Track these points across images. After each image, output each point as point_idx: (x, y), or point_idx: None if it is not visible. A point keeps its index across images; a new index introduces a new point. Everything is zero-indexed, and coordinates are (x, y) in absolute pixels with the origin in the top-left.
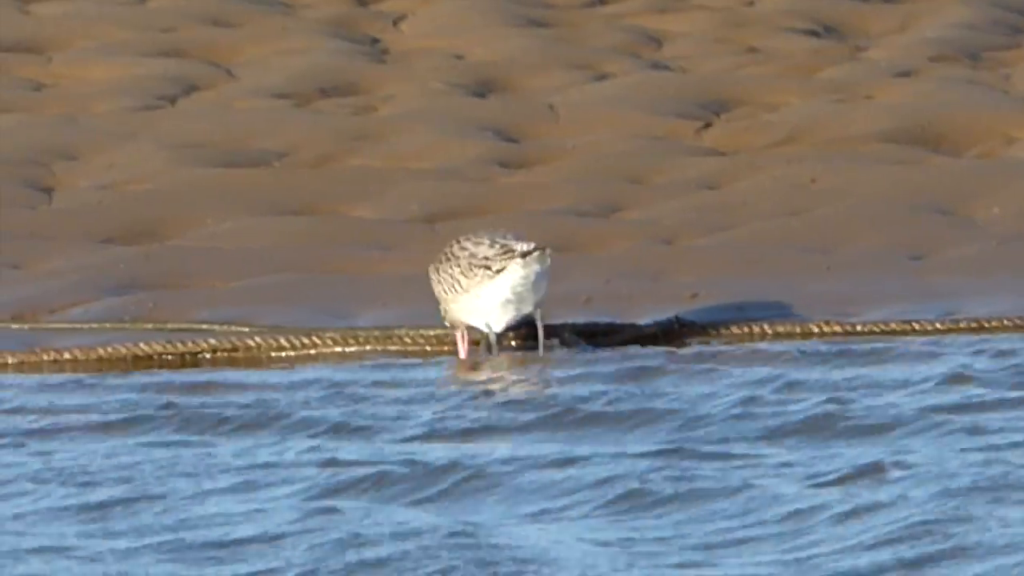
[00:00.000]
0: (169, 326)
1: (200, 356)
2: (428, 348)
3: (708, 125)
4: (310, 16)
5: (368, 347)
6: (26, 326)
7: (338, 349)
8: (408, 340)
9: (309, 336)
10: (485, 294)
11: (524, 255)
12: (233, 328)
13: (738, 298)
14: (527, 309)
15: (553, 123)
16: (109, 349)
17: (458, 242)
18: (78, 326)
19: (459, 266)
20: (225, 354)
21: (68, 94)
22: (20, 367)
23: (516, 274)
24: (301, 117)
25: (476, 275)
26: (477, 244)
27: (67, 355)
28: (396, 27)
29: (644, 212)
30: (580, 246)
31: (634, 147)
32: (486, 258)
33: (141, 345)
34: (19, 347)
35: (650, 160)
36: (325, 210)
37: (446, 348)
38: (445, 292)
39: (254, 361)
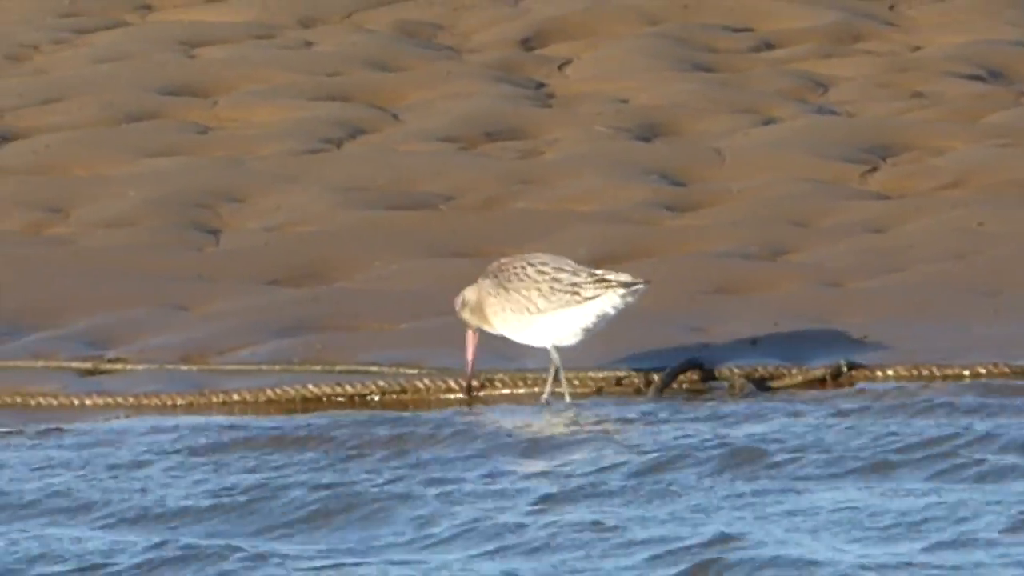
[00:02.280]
0: (338, 368)
1: (368, 398)
2: (599, 389)
3: (874, 169)
4: (475, 60)
5: (536, 389)
6: (195, 368)
7: (506, 391)
8: (578, 382)
9: (479, 378)
10: (563, 318)
11: (626, 286)
12: (402, 370)
13: (905, 340)
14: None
15: (719, 167)
16: (278, 391)
17: (532, 265)
18: (246, 368)
19: (538, 289)
20: (394, 396)
21: (233, 137)
22: (189, 408)
23: (608, 304)
24: (466, 161)
25: (559, 299)
26: (558, 270)
27: (236, 396)
28: (561, 71)
29: (810, 255)
30: (746, 289)
31: (800, 191)
32: (574, 284)
33: (310, 387)
34: (188, 389)
35: (816, 203)
36: (491, 253)
37: (617, 388)
38: (513, 311)
39: (422, 403)
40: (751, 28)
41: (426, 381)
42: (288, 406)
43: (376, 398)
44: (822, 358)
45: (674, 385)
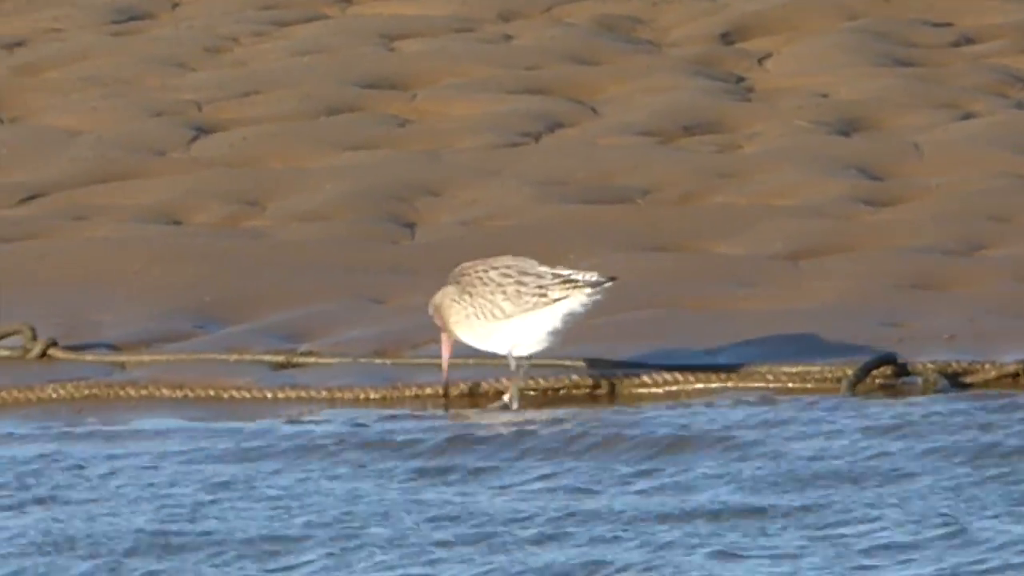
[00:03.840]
0: (532, 361)
1: (561, 392)
2: (790, 385)
3: None
4: (675, 54)
5: (730, 384)
6: (388, 361)
7: (700, 386)
8: (770, 377)
9: (672, 373)
10: (531, 322)
11: (593, 286)
12: (598, 363)
13: None
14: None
15: (917, 162)
16: (469, 383)
17: (495, 268)
18: (439, 361)
19: (503, 292)
20: (586, 390)
21: (432, 130)
22: (382, 402)
23: (576, 304)
24: (664, 155)
25: (527, 303)
26: (522, 273)
27: (428, 390)
28: (761, 65)
29: (1009, 250)
30: (943, 284)
31: (999, 186)
32: (540, 287)
33: (503, 380)
34: (381, 382)
35: (1014, 199)
36: (688, 247)
37: (808, 386)
38: (478, 317)
39: (615, 398)
40: (951, 23)
41: (620, 376)
42: (480, 400)
43: (568, 393)
44: (1017, 353)
45: (867, 380)
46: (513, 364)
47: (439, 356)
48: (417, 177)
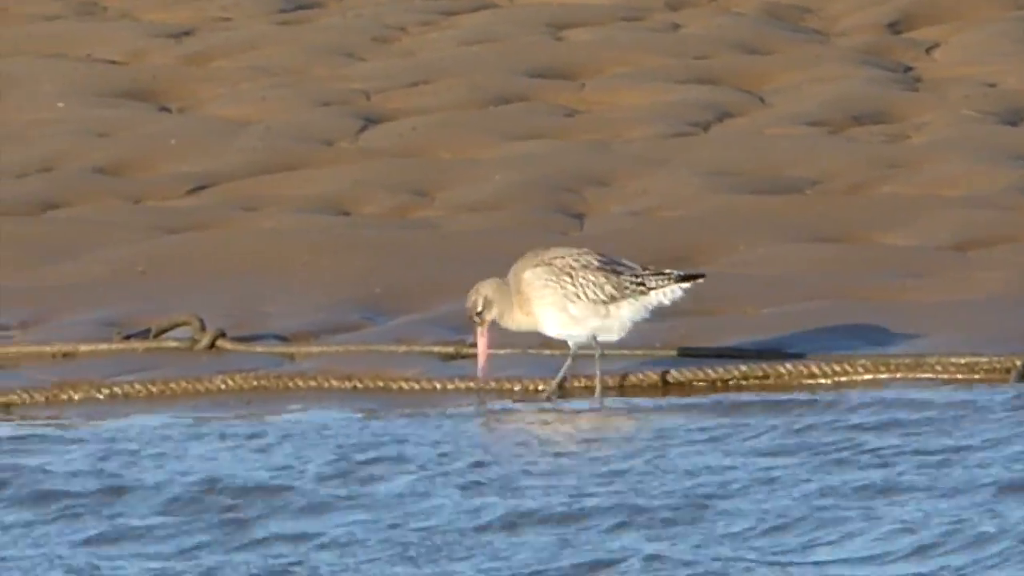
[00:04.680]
0: (702, 353)
1: (730, 383)
2: (959, 376)
3: None
4: (844, 44)
5: (899, 375)
6: (556, 352)
7: (868, 376)
8: (939, 368)
9: (840, 364)
10: (626, 311)
11: (687, 280)
12: (765, 355)
13: None
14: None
15: None
16: (640, 375)
17: (588, 254)
18: (609, 352)
19: (606, 277)
20: (756, 381)
21: (600, 120)
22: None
23: (668, 297)
24: (834, 145)
25: (628, 290)
26: (612, 262)
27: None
28: (929, 55)
29: None
30: None
31: None
32: (636, 275)
33: (672, 372)
34: (550, 373)
35: None
36: (857, 237)
37: (976, 376)
38: (578, 297)
39: (784, 388)
40: None
41: (788, 366)
42: (650, 391)
43: (739, 383)
44: None
45: None
46: (597, 352)
47: (612, 347)
48: (586, 167)
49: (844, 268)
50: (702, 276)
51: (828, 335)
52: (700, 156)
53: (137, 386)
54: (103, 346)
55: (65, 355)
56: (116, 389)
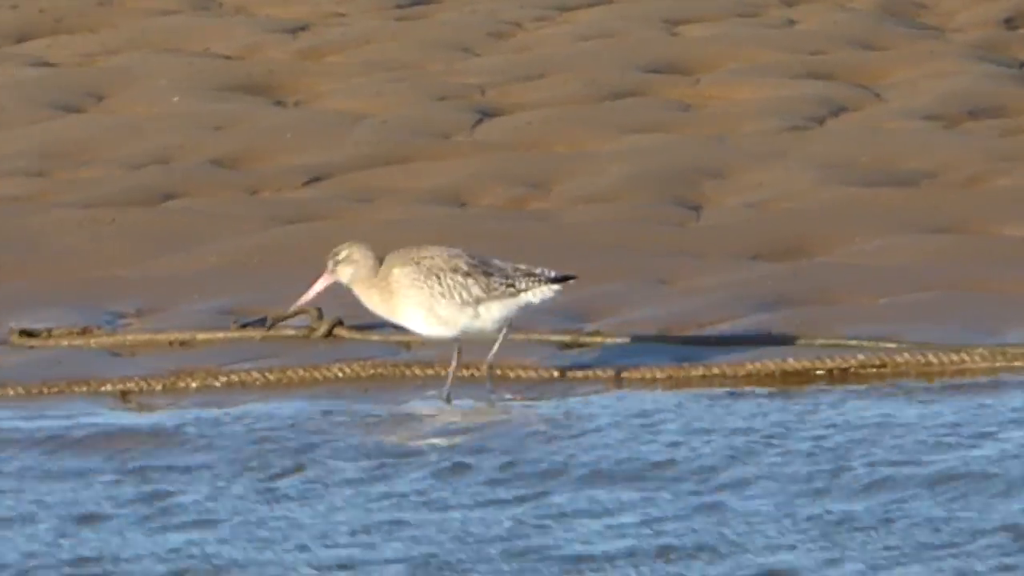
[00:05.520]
0: (818, 342)
1: (848, 372)
2: None
3: None
4: (959, 39)
5: (1017, 363)
6: (678, 342)
7: (985, 365)
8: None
9: (958, 353)
10: (496, 311)
11: (558, 281)
12: (881, 344)
13: None
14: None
15: None
16: (757, 364)
17: (458, 256)
18: (727, 343)
19: (473, 279)
20: (873, 370)
21: (716, 114)
22: (668, 382)
23: (538, 298)
24: (949, 138)
25: (496, 291)
26: (483, 263)
27: (715, 370)
28: None
29: None
30: None
31: None
32: (507, 276)
33: (790, 360)
34: (668, 362)
35: None
36: (972, 229)
37: None
38: (444, 297)
39: (901, 377)
40: None
41: (906, 355)
42: (767, 380)
43: (855, 372)
44: None
45: None
46: (457, 354)
47: (726, 336)
48: (702, 160)
49: (959, 259)
50: (573, 277)
51: (944, 325)
52: (815, 150)
53: (254, 374)
54: (220, 335)
55: (182, 344)
56: (233, 377)
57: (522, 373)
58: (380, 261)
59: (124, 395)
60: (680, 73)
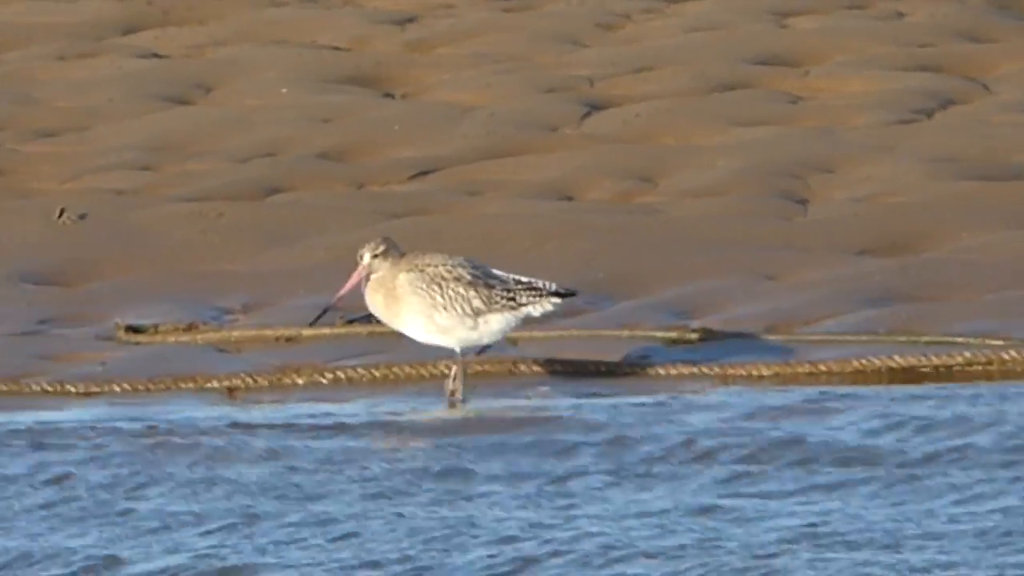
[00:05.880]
0: (924, 339)
1: (954, 369)
2: None
3: None
4: None
5: None
6: (780, 337)
7: None
8: None
9: None
10: (495, 323)
11: (559, 296)
12: (988, 342)
13: None
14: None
15: None
16: (864, 361)
17: (461, 266)
18: (832, 338)
19: (475, 290)
20: (980, 367)
21: (824, 107)
22: (775, 379)
23: (538, 312)
24: None
25: (497, 304)
26: (487, 275)
27: (822, 367)
28: None
29: None
30: None
31: None
32: (508, 290)
33: (896, 358)
34: (774, 359)
35: None
36: None
37: None
38: (445, 308)
39: (1009, 375)
40: None
41: (1012, 353)
42: (873, 377)
43: (962, 369)
44: None
45: None
46: (458, 360)
47: (831, 333)
48: (810, 154)
49: None
50: (574, 294)
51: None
52: (924, 143)
53: (360, 371)
54: (326, 330)
55: (288, 339)
56: (339, 374)
57: (628, 370)
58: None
59: (230, 392)
60: (788, 65)
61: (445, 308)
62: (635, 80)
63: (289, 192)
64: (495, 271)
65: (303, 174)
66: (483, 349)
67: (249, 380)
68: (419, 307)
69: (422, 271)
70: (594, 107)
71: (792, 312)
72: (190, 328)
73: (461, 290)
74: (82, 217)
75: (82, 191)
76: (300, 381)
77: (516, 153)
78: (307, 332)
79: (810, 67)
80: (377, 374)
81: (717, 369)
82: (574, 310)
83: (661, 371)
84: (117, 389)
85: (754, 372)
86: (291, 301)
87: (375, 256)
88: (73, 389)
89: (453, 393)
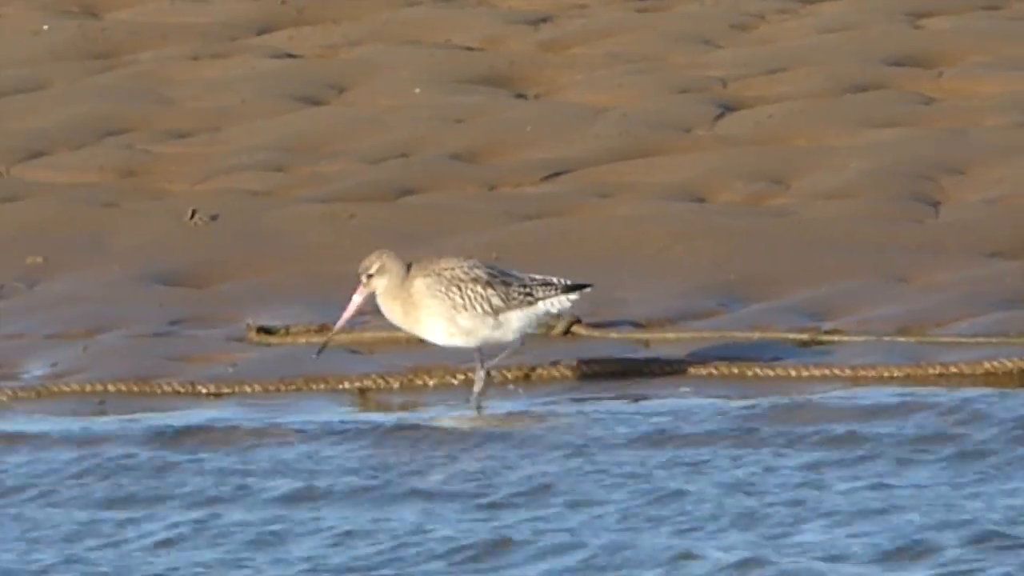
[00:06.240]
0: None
1: None
2: None
3: None
4: None
5: None
6: (912, 339)
7: None
8: None
9: None
10: (515, 321)
11: (570, 290)
12: None
13: None
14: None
15: None
16: (995, 363)
17: (477, 267)
18: (964, 340)
19: (493, 289)
20: None
21: (958, 108)
22: (905, 380)
23: (556, 307)
24: None
25: (515, 300)
26: (503, 273)
27: (953, 369)
28: None
29: None
30: None
31: None
32: (524, 286)
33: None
34: (905, 361)
35: None
36: None
37: None
38: (465, 309)
39: None
40: None
41: None
42: (1005, 379)
43: None
44: None
45: None
46: (481, 362)
47: (966, 335)
48: (942, 155)
49: None
50: (589, 286)
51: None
52: None
53: (492, 372)
54: None
55: (420, 341)
56: (471, 375)
57: (759, 371)
58: (408, 268)
59: (362, 393)
60: (922, 66)
61: (466, 308)
62: (768, 81)
63: (421, 193)
64: (510, 270)
65: (435, 175)
66: (502, 350)
67: (380, 381)
68: (439, 310)
69: (439, 275)
70: (727, 108)
71: (923, 314)
72: (322, 329)
73: (480, 290)
74: (214, 218)
75: (214, 192)
76: (431, 382)
77: (648, 154)
78: None
79: (944, 68)
80: (509, 376)
81: (848, 371)
82: (705, 312)
83: (792, 372)
84: (248, 390)
85: (885, 374)
86: None
87: (370, 276)
88: (204, 390)
89: (480, 402)
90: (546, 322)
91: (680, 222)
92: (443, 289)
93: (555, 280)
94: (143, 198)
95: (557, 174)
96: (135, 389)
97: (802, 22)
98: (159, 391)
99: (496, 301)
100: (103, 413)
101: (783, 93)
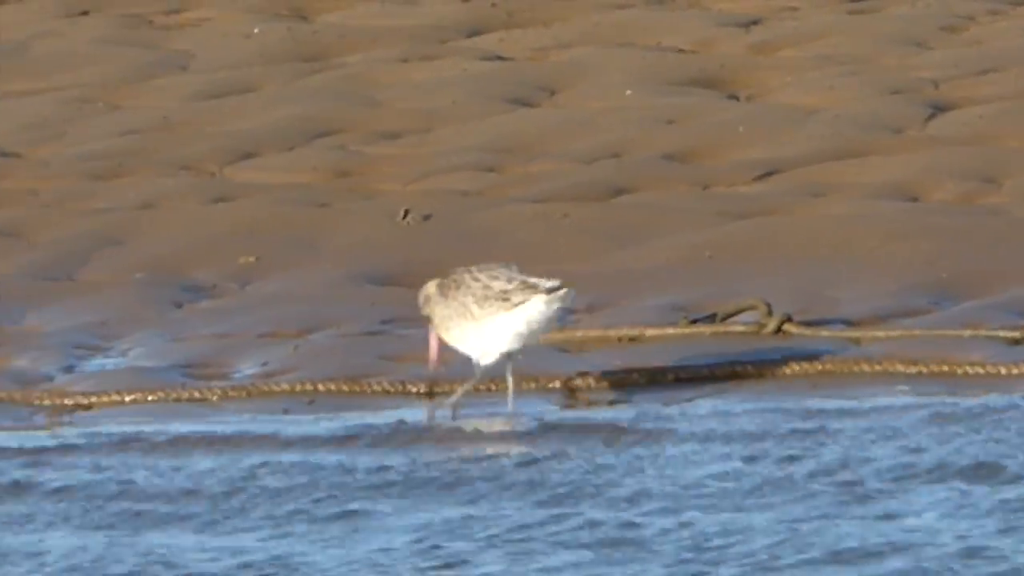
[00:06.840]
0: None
1: None
2: None
3: None
4: None
5: None
6: None
7: None
8: None
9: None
10: (496, 325)
11: (549, 291)
12: None
13: None
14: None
15: None
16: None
17: (469, 272)
18: None
19: (472, 295)
20: None
21: None
22: None
23: (535, 310)
24: None
25: (491, 306)
26: (492, 278)
27: None
28: None
29: None
30: None
31: None
32: (504, 291)
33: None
34: None
35: None
36: None
37: None
38: (452, 316)
39: None
40: None
41: None
42: None
43: None
44: None
45: None
46: (478, 370)
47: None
48: None
49: None
50: (566, 287)
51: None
52: None
53: (703, 371)
54: (669, 330)
55: (631, 339)
56: (682, 373)
57: (969, 369)
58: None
59: (572, 391)
60: None
61: (451, 318)
62: (980, 82)
63: (634, 193)
64: (511, 272)
65: (648, 175)
66: (504, 358)
67: (590, 380)
68: (442, 314)
69: (440, 283)
70: (938, 109)
71: None
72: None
73: (461, 297)
74: (426, 218)
75: (426, 192)
76: (642, 381)
77: (860, 155)
78: (651, 332)
79: None
80: (719, 374)
81: None
82: (916, 310)
83: (1003, 370)
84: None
85: None
86: (635, 301)
87: (424, 312)
88: (414, 389)
89: (454, 407)
90: (543, 328)
91: (891, 221)
92: (439, 295)
93: (534, 281)
94: (355, 198)
95: (769, 174)
96: (345, 388)
97: (1013, 23)
98: (369, 390)
99: (473, 307)
100: (314, 412)
101: (993, 94)
